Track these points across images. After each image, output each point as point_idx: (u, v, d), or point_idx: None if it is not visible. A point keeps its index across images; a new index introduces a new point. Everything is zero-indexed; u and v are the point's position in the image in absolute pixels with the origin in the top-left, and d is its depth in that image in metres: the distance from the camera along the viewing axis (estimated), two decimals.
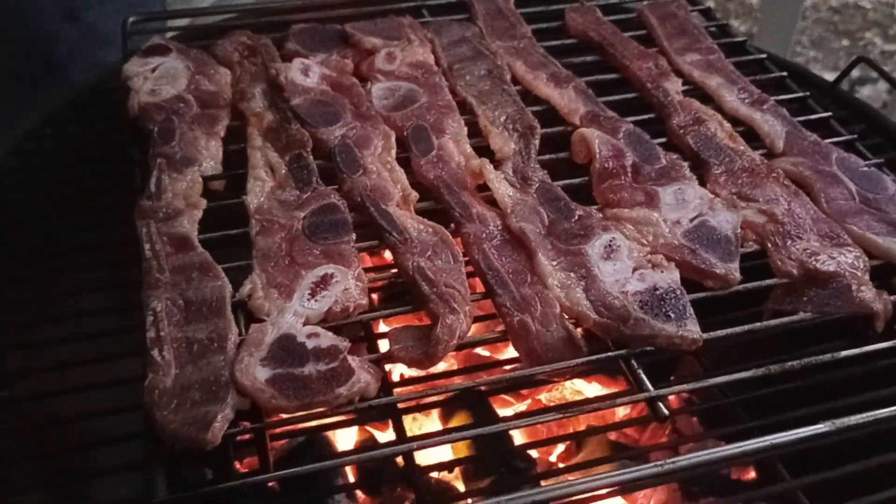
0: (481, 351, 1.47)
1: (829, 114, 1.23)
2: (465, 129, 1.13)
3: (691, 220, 1.01)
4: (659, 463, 0.77)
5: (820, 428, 0.81)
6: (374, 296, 1.27)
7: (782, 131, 1.15)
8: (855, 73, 2.13)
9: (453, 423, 1.24)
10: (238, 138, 1.10)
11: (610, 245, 0.96)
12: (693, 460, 0.78)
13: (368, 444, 1.28)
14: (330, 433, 1.28)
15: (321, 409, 0.79)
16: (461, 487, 1.20)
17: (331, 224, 0.97)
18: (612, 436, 1.31)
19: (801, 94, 1.27)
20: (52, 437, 0.88)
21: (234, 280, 0.91)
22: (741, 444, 0.80)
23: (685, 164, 1.10)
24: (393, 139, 1.10)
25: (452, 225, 1.00)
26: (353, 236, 0.96)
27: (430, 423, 1.33)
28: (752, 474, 1.27)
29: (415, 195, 1.03)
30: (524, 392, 1.39)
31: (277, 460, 1.25)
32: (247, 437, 0.80)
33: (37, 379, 0.91)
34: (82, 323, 0.96)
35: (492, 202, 1.03)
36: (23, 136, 1.24)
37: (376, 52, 1.24)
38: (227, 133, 1.11)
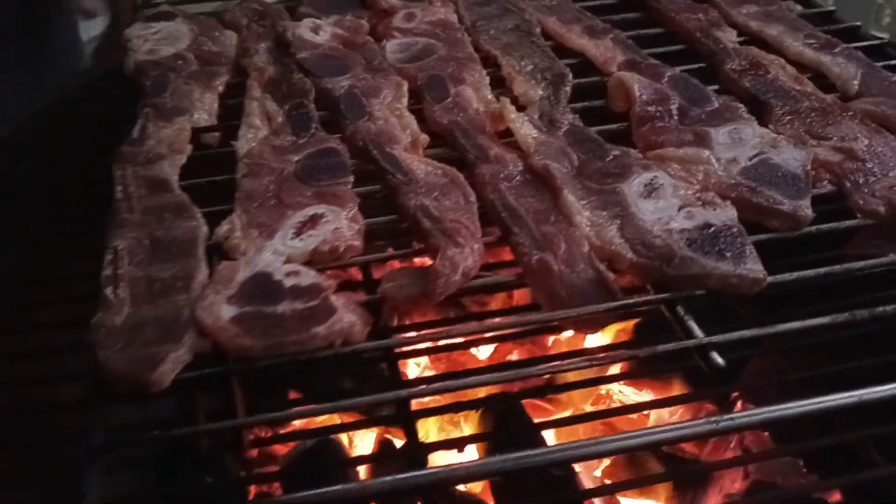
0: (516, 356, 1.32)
1: None
2: (487, 79, 1.01)
3: (750, 159, 0.85)
4: (713, 420, 0.61)
5: None
6: None
7: (857, 72, 0.99)
8: None
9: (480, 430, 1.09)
10: (239, 94, 1.01)
11: (651, 183, 0.82)
12: (756, 417, 0.61)
13: (386, 451, 1.13)
14: (343, 437, 1.15)
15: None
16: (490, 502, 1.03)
17: (327, 166, 0.85)
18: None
19: (878, 42, 1.11)
20: None
21: (214, 226, 0.80)
22: (819, 398, 0.62)
23: (741, 106, 0.94)
24: (405, 88, 0.99)
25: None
26: (351, 178, 0.84)
27: (453, 429, 1.17)
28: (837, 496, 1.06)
29: (425, 138, 0.90)
30: (563, 398, 1.23)
31: (284, 466, 1.12)
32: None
33: None
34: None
35: (514, 148, 0.90)
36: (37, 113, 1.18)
37: (395, 13, 1.15)
38: (228, 90, 1.02)
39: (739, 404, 1.09)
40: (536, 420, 1.12)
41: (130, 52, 1.05)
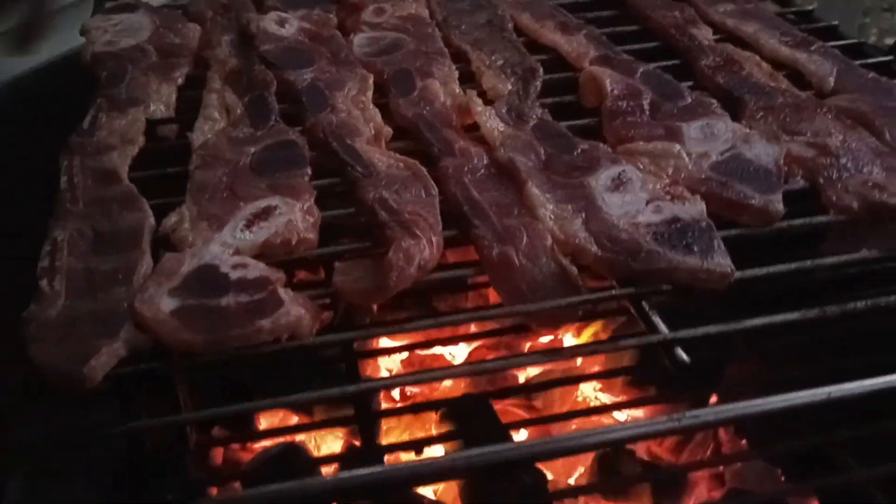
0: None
1: (892, 57, 1.04)
2: (457, 73, 0.99)
3: (721, 153, 0.83)
4: (675, 417, 0.57)
5: None
6: None
7: (832, 69, 0.97)
8: None
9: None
10: (201, 87, 0.97)
11: (619, 177, 0.79)
12: (721, 415, 0.58)
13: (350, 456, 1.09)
14: (311, 442, 1.11)
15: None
16: None
17: (284, 159, 0.82)
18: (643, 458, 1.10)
19: (854, 41, 1.09)
20: None
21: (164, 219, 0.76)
22: (787, 395, 0.59)
23: (714, 101, 0.92)
24: (370, 82, 0.96)
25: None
26: (309, 170, 0.81)
27: (418, 429, 1.13)
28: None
29: (388, 130, 0.87)
30: (536, 404, 1.19)
31: (247, 472, 1.07)
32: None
33: None
34: None
35: (481, 142, 0.87)
36: None
37: (364, 7, 1.12)
38: (189, 83, 0.99)
39: None
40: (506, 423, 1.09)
41: (88, 44, 1.02)
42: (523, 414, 1.19)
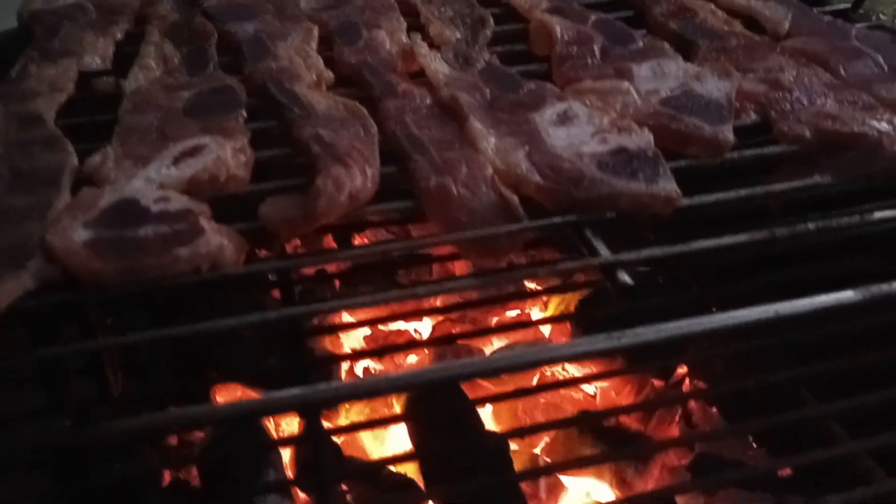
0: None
1: (848, 5, 1.03)
2: (404, 25, 0.96)
3: (672, 90, 0.80)
4: (615, 335, 0.54)
5: (847, 296, 0.58)
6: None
7: (787, 13, 0.95)
8: None
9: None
10: (140, 43, 0.94)
11: (565, 113, 0.76)
12: (663, 333, 0.55)
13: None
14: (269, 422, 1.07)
15: None
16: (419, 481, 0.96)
17: (218, 103, 0.78)
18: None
19: None
20: None
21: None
22: (734, 313, 0.56)
23: (666, 44, 0.90)
24: (315, 32, 0.93)
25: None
26: (244, 113, 0.77)
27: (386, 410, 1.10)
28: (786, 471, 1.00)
29: (329, 75, 0.85)
30: (504, 378, 1.16)
31: (200, 452, 1.03)
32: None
33: None
34: None
35: (426, 86, 0.84)
36: None
37: None
38: (128, 38, 0.95)
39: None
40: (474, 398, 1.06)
41: (27, 2, 0.99)
42: (489, 386, 1.16)
